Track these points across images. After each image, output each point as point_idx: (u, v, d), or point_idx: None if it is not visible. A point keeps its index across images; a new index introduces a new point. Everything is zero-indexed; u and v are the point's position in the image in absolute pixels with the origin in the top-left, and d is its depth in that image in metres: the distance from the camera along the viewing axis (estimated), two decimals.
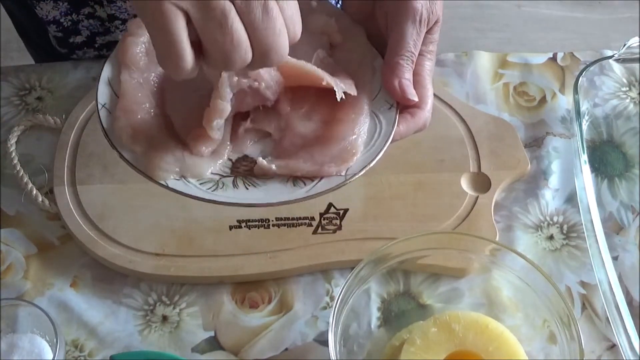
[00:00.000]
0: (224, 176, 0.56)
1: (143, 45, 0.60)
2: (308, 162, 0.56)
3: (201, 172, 0.55)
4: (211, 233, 0.70)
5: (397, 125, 0.58)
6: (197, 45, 0.47)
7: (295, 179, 0.56)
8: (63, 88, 0.81)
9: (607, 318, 0.67)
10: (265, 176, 0.56)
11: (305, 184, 0.55)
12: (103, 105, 0.57)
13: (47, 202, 0.72)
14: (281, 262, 0.69)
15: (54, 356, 0.61)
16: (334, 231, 0.71)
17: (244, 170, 0.56)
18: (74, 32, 0.81)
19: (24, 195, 0.73)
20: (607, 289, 0.66)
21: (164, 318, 0.68)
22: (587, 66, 0.79)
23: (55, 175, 0.73)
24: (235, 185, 0.55)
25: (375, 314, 0.66)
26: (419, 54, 0.60)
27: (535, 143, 0.79)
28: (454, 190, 0.74)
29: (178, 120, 0.58)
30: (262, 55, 0.47)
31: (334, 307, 0.59)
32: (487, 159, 0.76)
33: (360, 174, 0.56)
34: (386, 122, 0.58)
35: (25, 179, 0.73)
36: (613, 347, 0.67)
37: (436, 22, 0.60)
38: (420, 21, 0.59)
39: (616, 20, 2.03)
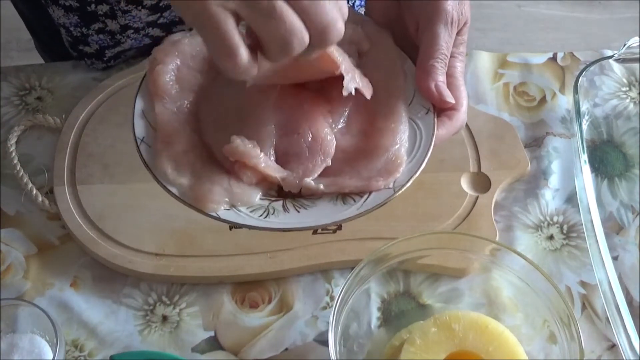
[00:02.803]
0: (273, 200, 0.56)
1: (172, 73, 0.59)
2: (354, 178, 0.56)
3: (250, 199, 0.55)
4: (211, 233, 0.70)
5: (437, 129, 0.57)
6: (254, 45, 0.48)
7: (344, 195, 0.55)
8: (63, 88, 0.81)
9: (607, 318, 0.67)
10: (313, 196, 0.56)
11: (355, 201, 0.55)
12: (142, 140, 0.57)
13: (47, 202, 0.72)
14: (281, 262, 0.69)
15: (54, 356, 0.61)
16: (334, 231, 0.71)
17: (291, 192, 0.56)
18: (82, 42, 0.81)
19: (24, 195, 0.73)
20: (607, 289, 0.66)
21: (164, 318, 0.68)
22: (587, 66, 0.79)
23: (55, 175, 0.73)
24: (285, 209, 0.55)
25: (375, 314, 0.66)
26: (450, 56, 0.60)
27: (535, 143, 0.79)
28: (454, 190, 0.74)
29: (218, 148, 0.57)
30: (320, 35, 0.47)
31: (334, 307, 0.59)
32: (487, 159, 0.76)
33: (408, 185, 0.55)
34: (425, 128, 0.58)
35: (25, 179, 0.73)
36: (613, 347, 0.67)
37: (465, 23, 0.60)
38: (451, 23, 0.59)
39: (616, 20, 2.03)
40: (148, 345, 0.66)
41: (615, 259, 0.71)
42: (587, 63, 0.80)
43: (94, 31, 0.80)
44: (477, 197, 0.73)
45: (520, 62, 0.85)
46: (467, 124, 0.78)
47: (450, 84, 0.59)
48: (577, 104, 0.76)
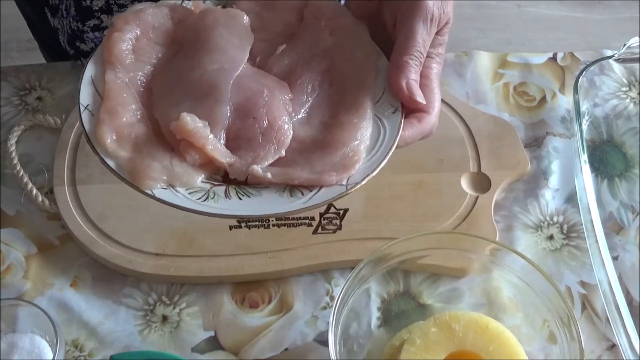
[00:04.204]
0: (215, 184, 0.53)
1: (130, 42, 0.57)
2: (306, 170, 0.53)
3: (191, 181, 0.53)
4: (211, 233, 0.70)
5: (403, 130, 0.55)
6: None
7: (292, 187, 0.53)
8: (63, 88, 0.81)
9: (607, 318, 0.67)
10: (260, 185, 0.53)
11: (303, 194, 0.52)
12: (86, 107, 0.54)
13: (47, 202, 0.72)
14: (281, 262, 0.69)
15: (54, 356, 0.61)
16: (334, 231, 0.71)
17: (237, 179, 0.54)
18: (79, 39, 0.81)
19: (24, 195, 0.73)
20: (607, 289, 0.66)
21: (164, 318, 0.68)
22: (587, 66, 0.79)
23: (55, 175, 0.73)
24: (227, 195, 0.52)
25: (375, 314, 0.66)
26: (427, 56, 0.57)
27: (535, 143, 0.79)
28: (454, 190, 0.74)
29: (167, 124, 0.55)
30: None
31: (334, 307, 0.59)
32: (487, 159, 0.76)
33: (362, 184, 0.53)
34: (390, 127, 0.55)
35: (25, 179, 0.73)
36: (613, 347, 0.67)
37: (446, 22, 0.58)
38: (431, 20, 0.56)
39: (616, 20, 2.03)
40: (148, 345, 0.66)
41: (615, 259, 0.71)
42: (587, 63, 0.80)
43: (90, 28, 0.79)
44: (477, 197, 0.73)
45: (520, 62, 0.85)
46: (467, 124, 0.78)
47: (424, 85, 0.57)
48: (577, 104, 0.76)
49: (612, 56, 0.81)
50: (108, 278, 0.69)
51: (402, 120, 0.56)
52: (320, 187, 0.52)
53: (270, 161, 0.54)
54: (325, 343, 0.65)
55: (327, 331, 0.58)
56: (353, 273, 0.60)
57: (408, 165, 0.75)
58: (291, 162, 0.54)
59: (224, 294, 0.69)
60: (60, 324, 0.63)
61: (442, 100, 0.78)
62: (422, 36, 0.56)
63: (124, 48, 0.57)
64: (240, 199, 0.52)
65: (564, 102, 0.82)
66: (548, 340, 0.62)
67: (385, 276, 0.65)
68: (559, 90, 0.83)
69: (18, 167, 0.74)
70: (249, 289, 0.69)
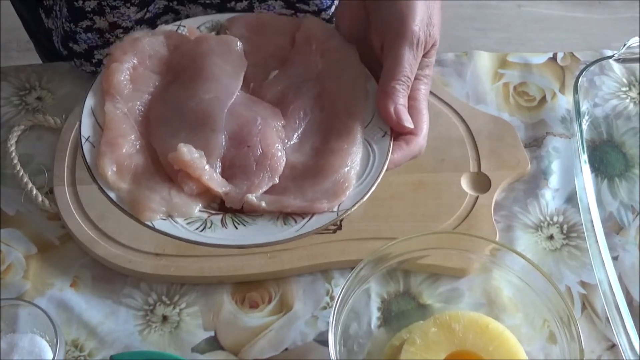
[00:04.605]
0: (212, 213, 0.54)
1: (127, 72, 0.58)
2: (298, 199, 0.54)
3: (189, 211, 0.54)
4: None
5: (392, 154, 0.57)
6: None
7: (286, 215, 0.54)
8: (63, 88, 0.81)
9: (607, 318, 0.67)
10: (255, 213, 0.54)
11: (296, 221, 0.54)
12: (87, 139, 0.55)
13: (47, 202, 0.72)
14: (281, 262, 0.69)
15: (54, 356, 0.61)
16: (334, 231, 0.71)
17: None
18: (72, 39, 0.81)
19: (24, 195, 0.73)
20: (607, 289, 0.66)
21: (164, 318, 0.68)
22: (587, 66, 0.79)
23: (55, 175, 0.73)
24: (224, 224, 0.54)
25: (375, 314, 0.66)
26: (415, 78, 0.58)
27: (535, 143, 0.79)
28: (454, 190, 0.74)
29: (165, 154, 0.56)
30: None
31: (334, 307, 0.59)
32: (487, 159, 0.76)
33: (352, 210, 0.54)
34: (379, 152, 0.57)
35: (25, 179, 0.73)
36: (613, 347, 0.67)
37: (433, 45, 0.59)
38: (417, 45, 0.57)
39: (616, 20, 2.03)
40: (148, 345, 0.66)
41: (615, 259, 0.71)
42: (587, 63, 0.80)
43: (82, 29, 0.79)
44: (477, 197, 0.73)
45: (520, 62, 0.85)
46: (467, 124, 0.78)
47: (412, 107, 0.58)
48: (577, 104, 0.76)
49: (612, 56, 0.81)
50: (108, 278, 0.69)
51: (391, 145, 0.57)
52: (313, 214, 0.54)
53: (265, 189, 0.55)
54: (325, 343, 0.65)
55: (327, 331, 0.58)
56: (353, 273, 0.60)
57: (408, 165, 0.74)
58: (284, 190, 0.56)
59: (224, 294, 0.69)
60: (60, 324, 0.63)
61: (443, 101, 0.79)
62: (409, 61, 0.57)
63: (122, 78, 0.58)
64: (237, 227, 0.54)
65: (564, 102, 0.82)
66: (548, 340, 0.62)
67: (385, 276, 0.65)
68: (559, 90, 0.83)
69: (18, 167, 0.74)
70: (249, 289, 0.69)
